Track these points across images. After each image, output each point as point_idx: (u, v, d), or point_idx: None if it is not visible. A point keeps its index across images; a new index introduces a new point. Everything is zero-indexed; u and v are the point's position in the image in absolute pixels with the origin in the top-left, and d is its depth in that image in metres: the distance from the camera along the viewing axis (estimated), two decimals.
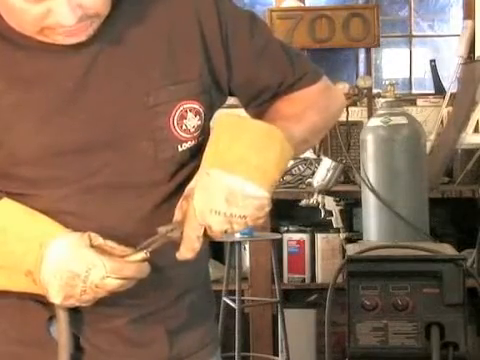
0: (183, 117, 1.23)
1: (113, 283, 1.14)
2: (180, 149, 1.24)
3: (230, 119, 1.19)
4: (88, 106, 1.20)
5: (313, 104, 1.35)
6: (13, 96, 1.19)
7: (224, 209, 1.14)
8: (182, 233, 1.16)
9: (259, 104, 1.36)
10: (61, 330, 1.20)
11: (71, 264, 1.14)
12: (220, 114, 1.23)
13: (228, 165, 1.15)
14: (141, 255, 1.16)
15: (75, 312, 1.21)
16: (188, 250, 1.17)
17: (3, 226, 1.17)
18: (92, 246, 1.16)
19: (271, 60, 1.34)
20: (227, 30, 1.28)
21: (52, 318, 1.23)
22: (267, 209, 1.16)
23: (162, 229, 1.17)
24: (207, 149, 1.19)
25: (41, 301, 1.22)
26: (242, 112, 1.39)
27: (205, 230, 1.16)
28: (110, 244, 1.17)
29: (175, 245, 1.17)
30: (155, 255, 1.17)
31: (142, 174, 1.23)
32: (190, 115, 1.24)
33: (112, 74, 1.21)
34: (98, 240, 1.16)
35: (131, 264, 1.15)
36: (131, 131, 1.22)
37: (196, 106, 1.24)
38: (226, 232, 1.16)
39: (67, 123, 1.20)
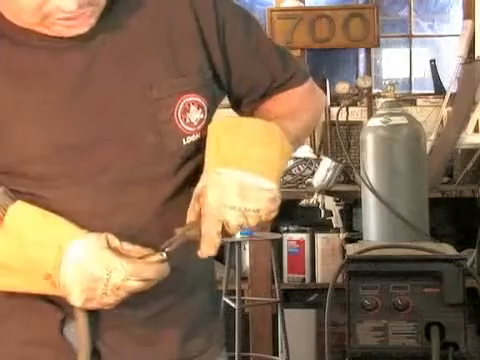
0: (186, 110, 1.24)
1: (134, 285, 1.14)
2: (184, 142, 1.24)
3: (226, 120, 1.21)
4: (92, 100, 1.20)
5: (303, 104, 1.38)
6: (16, 94, 1.18)
7: (239, 204, 1.15)
8: (200, 231, 1.17)
9: (249, 103, 1.37)
10: (81, 333, 1.20)
11: (91, 267, 1.13)
12: (214, 120, 1.25)
13: (234, 162, 1.16)
14: (158, 256, 1.16)
15: (90, 314, 1.21)
16: (210, 247, 1.17)
17: (19, 230, 1.16)
18: (110, 248, 1.15)
19: (264, 58, 1.35)
20: (224, 27, 1.29)
21: (65, 319, 1.23)
22: (278, 201, 1.18)
23: (179, 230, 1.18)
24: (208, 151, 1.20)
25: (53, 301, 1.22)
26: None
27: (222, 226, 1.17)
28: (126, 246, 1.17)
29: (195, 244, 1.18)
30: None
31: (150, 168, 1.23)
32: (193, 108, 1.24)
33: (114, 68, 1.21)
34: (115, 242, 1.16)
35: (150, 266, 1.15)
36: (137, 124, 1.22)
37: (198, 99, 1.25)
38: (241, 227, 1.18)
39: (72, 118, 1.19)
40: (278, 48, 1.38)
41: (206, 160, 1.19)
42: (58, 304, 1.21)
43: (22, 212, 1.17)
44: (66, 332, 1.24)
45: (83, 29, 1.16)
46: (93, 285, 1.13)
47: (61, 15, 1.12)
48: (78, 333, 1.21)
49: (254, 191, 1.15)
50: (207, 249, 1.18)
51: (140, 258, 1.16)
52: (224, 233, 1.18)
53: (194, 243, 1.18)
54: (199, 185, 1.18)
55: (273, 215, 1.18)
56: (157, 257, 1.16)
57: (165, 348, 1.30)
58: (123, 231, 1.18)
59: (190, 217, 1.19)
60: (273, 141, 1.18)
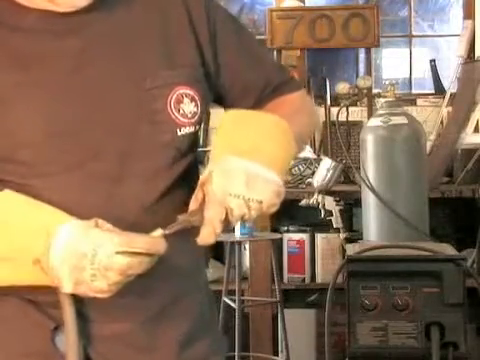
0: (179, 101, 1.24)
1: (122, 262, 1.10)
2: (179, 133, 1.24)
3: (237, 113, 1.23)
4: (86, 85, 1.20)
5: (300, 108, 1.39)
6: (11, 78, 1.19)
7: (244, 192, 1.15)
8: (202, 218, 1.17)
9: (245, 108, 1.36)
10: (70, 342, 1.18)
11: (78, 244, 1.11)
12: (224, 113, 1.26)
13: (244, 153, 1.17)
14: (158, 232, 1.15)
15: (81, 319, 1.20)
16: (210, 234, 1.16)
17: (5, 218, 1.15)
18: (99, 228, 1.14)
19: (257, 60, 1.36)
20: (215, 26, 1.31)
21: (57, 329, 1.22)
22: (282, 196, 1.18)
23: (181, 216, 1.17)
24: (218, 141, 1.21)
25: (45, 311, 1.21)
26: None
27: (226, 214, 1.16)
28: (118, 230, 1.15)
29: (195, 231, 1.17)
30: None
31: (144, 158, 1.23)
32: (186, 100, 1.25)
33: (109, 55, 1.23)
34: (106, 225, 1.15)
35: (141, 237, 1.13)
36: (131, 113, 1.22)
37: (191, 92, 1.26)
38: (243, 218, 1.17)
39: (64, 103, 1.20)
40: (271, 55, 1.40)
41: (213, 150, 1.20)
42: (50, 314, 1.20)
43: (7, 200, 1.16)
44: (58, 342, 1.22)
45: (86, 0, 1.19)
46: (80, 264, 1.10)
47: None
48: (67, 342, 1.18)
49: (261, 182, 1.16)
50: (207, 236, 1.17)
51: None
52: (226, 222, 1.17)
53: (194, 230, 1.17)
54: (204, 174, 1.18)
55: (274, 209, 1.18)
56: (157, 233, 1.15)
57: (161, 354, 1.27)
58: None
59: (192, 206, 1.18)
60: (281, 136, 1.21)
